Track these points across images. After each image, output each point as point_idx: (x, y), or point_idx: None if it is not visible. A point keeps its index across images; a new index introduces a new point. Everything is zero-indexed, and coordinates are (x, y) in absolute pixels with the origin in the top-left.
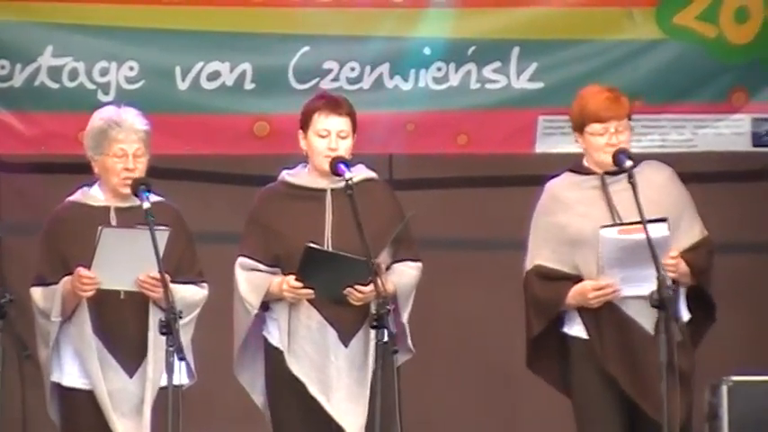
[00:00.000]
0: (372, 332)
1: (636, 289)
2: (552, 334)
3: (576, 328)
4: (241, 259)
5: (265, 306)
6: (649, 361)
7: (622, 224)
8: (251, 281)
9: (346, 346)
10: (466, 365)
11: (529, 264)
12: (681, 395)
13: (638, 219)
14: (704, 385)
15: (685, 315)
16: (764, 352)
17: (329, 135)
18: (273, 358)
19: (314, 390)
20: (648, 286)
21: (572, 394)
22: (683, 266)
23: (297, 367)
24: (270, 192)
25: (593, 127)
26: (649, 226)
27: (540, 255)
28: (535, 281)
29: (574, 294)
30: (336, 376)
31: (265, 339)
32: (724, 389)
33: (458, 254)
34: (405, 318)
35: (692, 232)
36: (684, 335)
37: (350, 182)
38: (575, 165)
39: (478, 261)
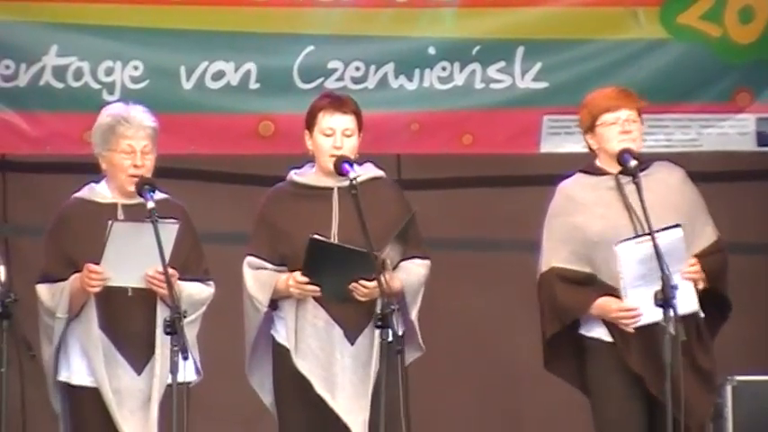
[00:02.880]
0: (377, 331)
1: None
2: (567, 334)
3: (596, 330)
4: (249, 258)
5: (274, 305)
6: (675, 362)
7: (637, 236)
8: (258, 279)
9: (352, 344)
10: (471, 365)
11: (545, 265)
12: (705, 394)
13: (657, 219)
14: None
15: (701, 313)
16: (764, 352)
17: (334, 134)
18: (280, 356)
19: (319, 387)
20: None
21: (591, 394)
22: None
23: (303, 365)
24: (277, 191)
25: (605, 118)
26: (663, 232)
27: (557, 256)
28: (556, 283)
29: (596, 307)
30: (342, 374)
31: (273, 338)
32: (728, 389)
33: (464, 253)
34: (413, 315)
35: (705, 234)
36: (703, 332)
37: (354, 181)
38: (587, 166)
39: (484, 261)
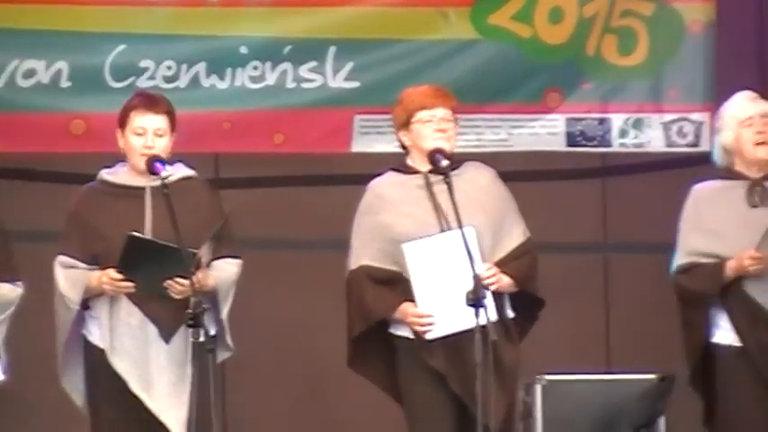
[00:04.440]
0: (189, 331)
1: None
2: (375, 333)
3: (404, 329)
4: (60, 257)
5: (86, 305)
6: (475, 360)
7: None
8: (70, 277)
9: (167, 342)
10: (286, 364)
11: (354, 263)
12: (501, 393)
13: (464, 219)
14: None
15: (509, 312)
16: (580, 351)
17: (145, 133)
18: (93, 357)
19: (135, 386)
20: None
21: (401, 394)
22: (506, 279)
23: (118, 364)
24: (89, 190)
25: (421, 115)
26: (454, 232)
27: (365, 254)
28: (364, 282)
29: (399, 310)
30: (158, 373)
31: (85, 338)
32: (538, 388)
33: (278, 253)
34: (224, 314)
35: (514, 236)
36: (511, 332)
37: (166, 180)
38: (398, 164)
39: (297, 260)
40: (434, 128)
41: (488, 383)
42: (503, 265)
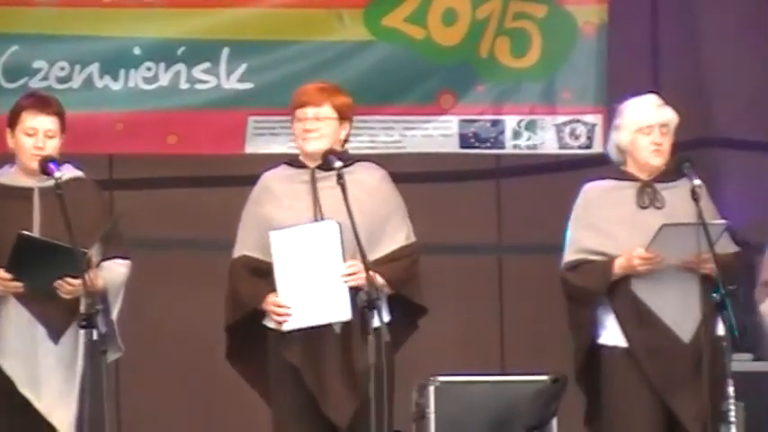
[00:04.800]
0: (82, 331)
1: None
2: (253, 329)
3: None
4: None
5: None
6: (332, 360)
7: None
8: None
9: (56, 343)
10: (181, 364)
11: (236, 252)
12: (351, 393)
13: (346, 218)
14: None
15: (385, 316)
16: (474, 353)
17: (36, 134)
18: None
19: (23, 387)
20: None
21: (269, 387)
22: (380, 279)
23: (6, 365)
24: None
25: (297, 113)
26: (318, 225)
27: (246, 244)
28: (241, 272)
29: (266, 301)
30: (46, 374)
31: None
32: (431, 389)
33: (172, 253)
34: (114, 315)
35: (396, 238)
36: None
37: (59, 180)
38: (292, 158)
39: (192, 260)
40: (302, 127)
41: (338, 382)
42: (378, 265)
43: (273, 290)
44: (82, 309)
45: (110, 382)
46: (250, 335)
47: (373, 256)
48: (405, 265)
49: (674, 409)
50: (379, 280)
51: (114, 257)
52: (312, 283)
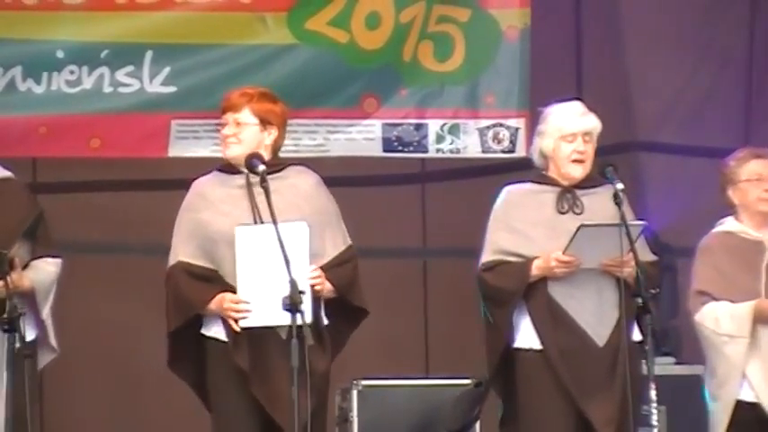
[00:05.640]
0: (5, 336)
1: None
2: (193, 335)
3: (214, 329)
4: None
5: None
6: (280, 366)
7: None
8: None
9: None
10: (104, 369)
11: (172, 259)
12: (305, 398)
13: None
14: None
15: (324, 319)
16: (398, 356)
17: None
18: None
19: None
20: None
21: (209, 396)
22: (328, 285)
23: None
24: None
25: (222, 118)
26: (288, 225)
27: (184, 251)
28: (181, 278)
29: (214, 301)
30: None
31: None
32: (354, 393)
33: (95, 257)
34: (45, 314)
35: (335, 243)
36: (324, 338)
37: None
38: (223, 164)
39: (114, 264)
40: (222, 133)
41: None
42: (324, 271)
43: (219, 292)
44: (5, 313)
45: (34, 388)
46: (192, 341)
47: (317, 262)
48: (348, 270)
49: (587, 412)
50: (328, 286)
51: (43, 256)
52: (274, 283)
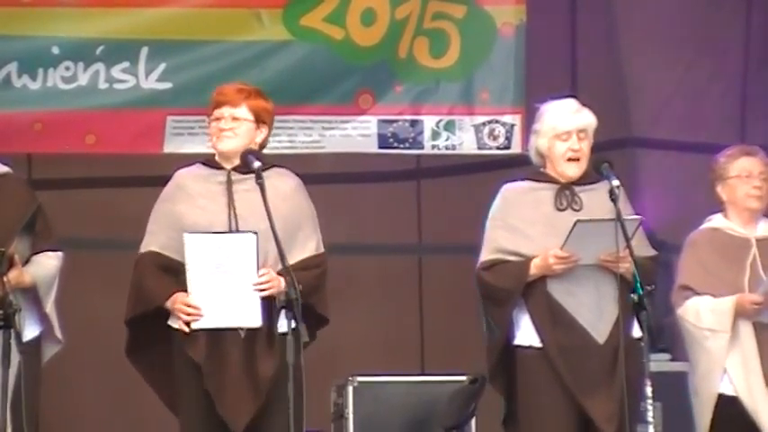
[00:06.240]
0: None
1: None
2: (157, 329)
3: (179, 321)
4: None
5: None
6: (235, 362)
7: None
8: None
9: None
10: (99, 364)
11: (143, 247)
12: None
13: (256, 223)
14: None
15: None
16: (394, 353)
17: None
18: None
19: None
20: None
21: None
22: (282, 286)
23: None
24: None
25: (214, 112)
26: (236, 236)
27: (155, 240)
28: (148, 268)
29: (171, 299)
30: None
31: None
32: (350, 389)
33: (91, 253)
34: (48, 307)
35: (307, 247)
36: (275, 344)
37: None
38: (208, 158)
39: (110, 260)
40: (217, 126)
41: (240, 385)
42: (286, 274)
43: (180, 289)
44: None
45: (29, 383)
46: (152, 332)
47: (283, 263)
48: (314, 275)
49: (588, 409)
50: (282, 287)
51: (45, 250)
52: (224, 288)
